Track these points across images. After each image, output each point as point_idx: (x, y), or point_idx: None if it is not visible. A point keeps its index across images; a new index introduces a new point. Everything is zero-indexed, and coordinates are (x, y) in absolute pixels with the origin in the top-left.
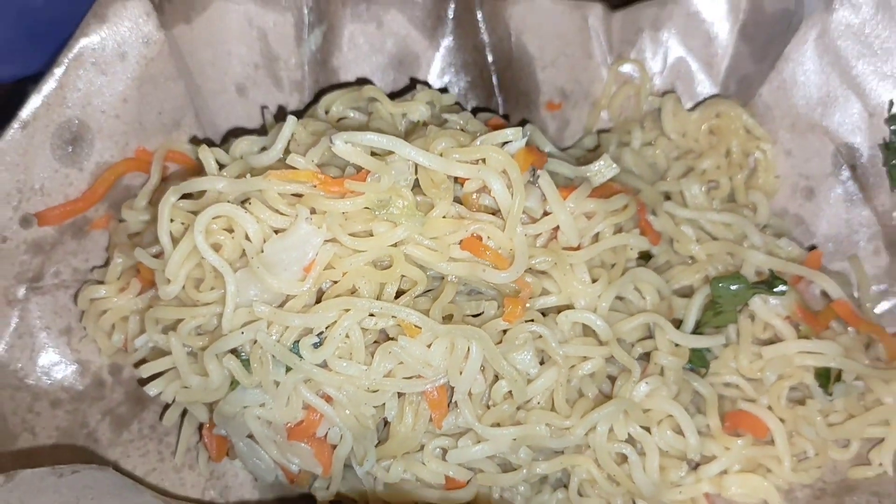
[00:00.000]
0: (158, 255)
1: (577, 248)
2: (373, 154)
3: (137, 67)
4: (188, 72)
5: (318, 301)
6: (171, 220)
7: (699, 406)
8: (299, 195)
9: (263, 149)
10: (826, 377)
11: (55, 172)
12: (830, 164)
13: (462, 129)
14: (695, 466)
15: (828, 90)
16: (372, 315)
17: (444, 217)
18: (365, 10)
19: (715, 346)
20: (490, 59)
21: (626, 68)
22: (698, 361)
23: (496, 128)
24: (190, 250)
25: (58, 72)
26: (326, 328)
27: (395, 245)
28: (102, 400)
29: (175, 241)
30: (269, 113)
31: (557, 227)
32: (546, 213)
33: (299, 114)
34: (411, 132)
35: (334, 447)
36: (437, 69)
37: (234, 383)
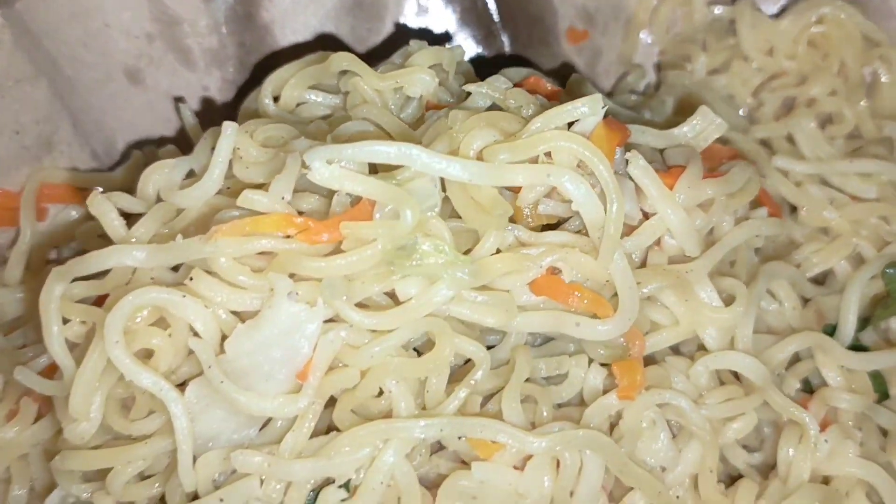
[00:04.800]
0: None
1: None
2: (372, 171)
3: None
4: (50, 60)
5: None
6: (66, 321)
7: (881, 444)
8: (269, 253)
9: (192, 173)
10: None
11: None
12: None
13: (500, 107)
14: None
15: None
16: None
17: (498, 252)
18: None
19: None
20: None
21: None
22: (876, 385)
23: (546, 94)
24: (103, 368)
25: None
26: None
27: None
28: None
29: (77, 350)
30: (188, 109)
31: None
32: (646, 215)
33: (234, 106)
34: (418, 121)
35: None
36: (413, 3)
37: None
